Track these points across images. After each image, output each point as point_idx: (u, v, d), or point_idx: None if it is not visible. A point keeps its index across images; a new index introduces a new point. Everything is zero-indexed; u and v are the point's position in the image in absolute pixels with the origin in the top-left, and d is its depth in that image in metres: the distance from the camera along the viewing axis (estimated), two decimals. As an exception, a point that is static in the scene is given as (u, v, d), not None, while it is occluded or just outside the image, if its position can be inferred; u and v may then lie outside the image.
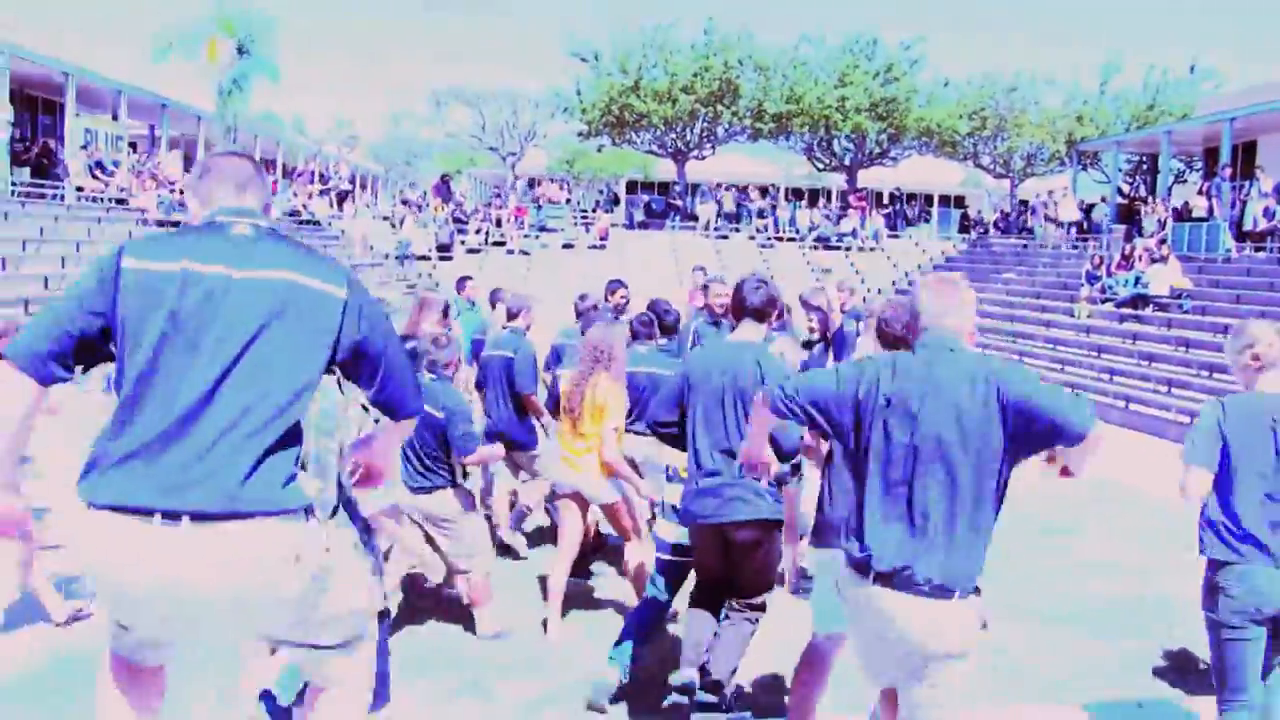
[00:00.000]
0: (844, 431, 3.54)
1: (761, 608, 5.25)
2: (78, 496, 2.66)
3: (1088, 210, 33.09)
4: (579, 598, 7.24)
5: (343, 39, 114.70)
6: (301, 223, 30.34)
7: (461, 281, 12.44)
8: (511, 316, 8.52)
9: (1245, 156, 28.00)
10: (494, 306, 11.11)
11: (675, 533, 5.57)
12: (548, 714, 5.60)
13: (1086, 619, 7.38)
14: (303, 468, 2.87)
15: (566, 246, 32.90)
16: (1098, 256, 24.05)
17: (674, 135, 42.15)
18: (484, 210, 34.76)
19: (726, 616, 5.25)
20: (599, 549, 8.06)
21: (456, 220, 32.98)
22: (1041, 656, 6.61)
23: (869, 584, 3.42)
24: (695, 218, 36.56)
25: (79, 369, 2.85)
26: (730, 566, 5.15)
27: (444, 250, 30.80)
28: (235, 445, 2.65)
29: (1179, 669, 6.58)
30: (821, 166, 44.63)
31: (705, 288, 9.71)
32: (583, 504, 6.62)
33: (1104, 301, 22.11)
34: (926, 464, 3.36)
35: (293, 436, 2.78)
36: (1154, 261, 21.44)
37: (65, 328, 2.76)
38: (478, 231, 32.68)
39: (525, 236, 33.10)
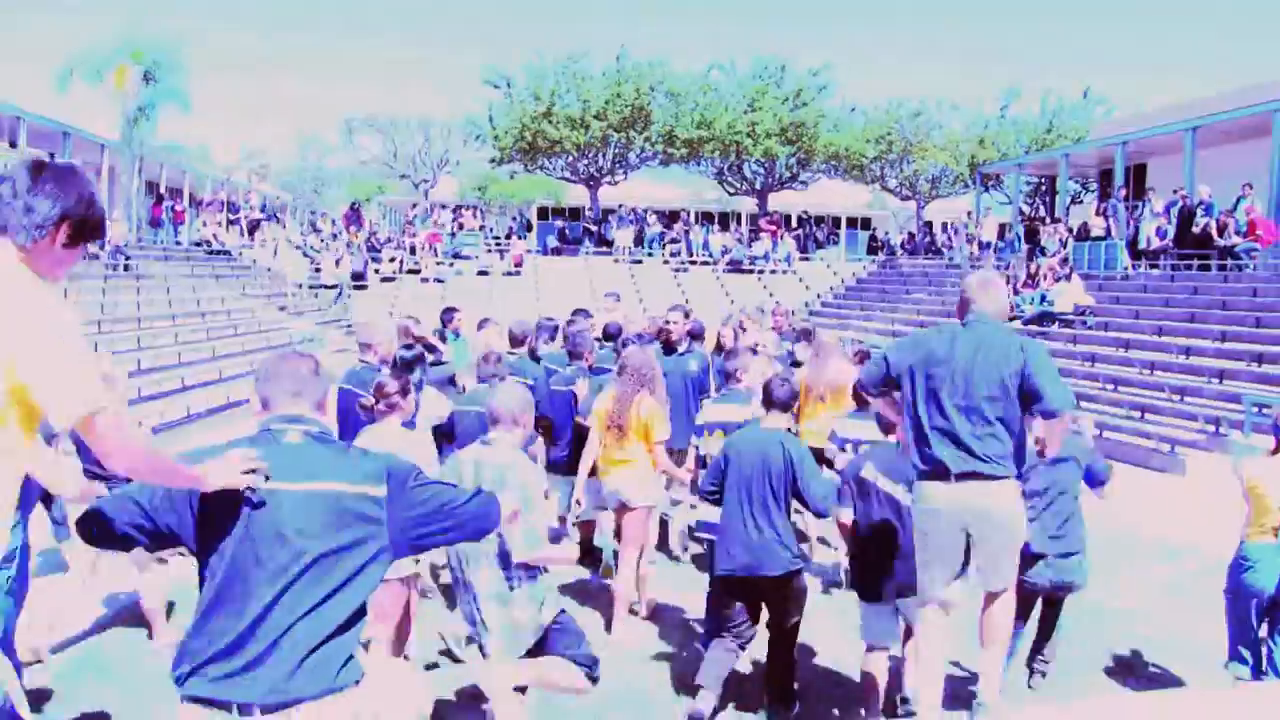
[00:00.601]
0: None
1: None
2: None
3: (1001, 231, 34.09)
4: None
5: (248, 65, 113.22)
6: (212, 253, 29.89)
7: (448, 313, 12.22)
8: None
9: (1137, 178, 29.14)
10: (479, 329, 11.07)
11: None
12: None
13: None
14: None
15: (482, 274, 32.87)
16: (1004, 276, 24.77)
17: (586, 161, 42.44)
18: (398, 238, 34.56)
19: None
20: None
21: (370, 249, 32.75)
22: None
23: (951, 483, 4.77)
24: (609, 243, 36.81)
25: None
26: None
27: (358, 279, 30.56)
28: (294, 644, 2.98)
29: (1118, 672, 6.86)
30: (732, 191, 45.25)
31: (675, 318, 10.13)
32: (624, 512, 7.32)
33: (1012, 319, 22.77)
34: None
35: (352, 623, 3.10)
36: (1058, 280, 22.17)
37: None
38: (391, 260, 32.48)
39: (439, 264, 32.99)
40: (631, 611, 7.61)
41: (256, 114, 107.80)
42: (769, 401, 6.28)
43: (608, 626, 7.37)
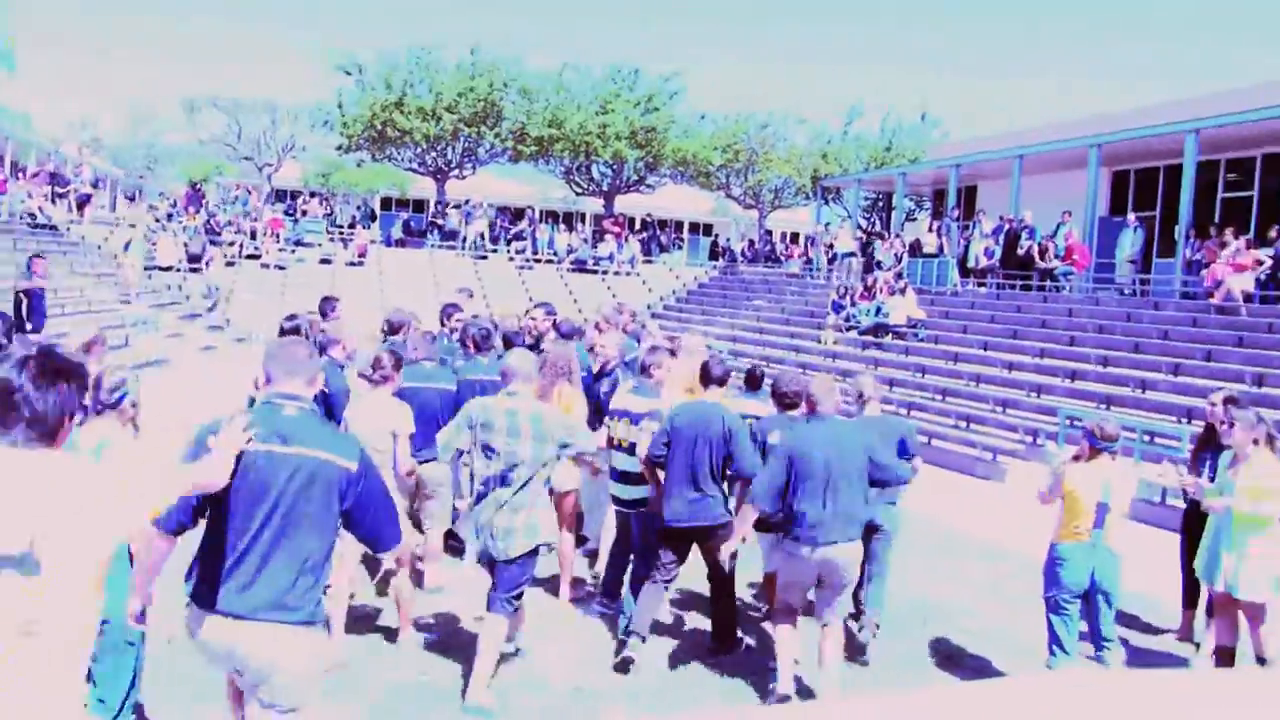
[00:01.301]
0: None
1: None
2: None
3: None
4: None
5: (81, 36, 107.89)
6: (36, 226, 28.42)
7: (447, 310, 11.62)
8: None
9: (968, 199, 30.57)
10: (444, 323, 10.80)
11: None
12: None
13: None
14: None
15: (324, 262, 32.22)
16: (842, 287, 25.66)
17: (435, 154, 42.05)
18: (238, 222, 33.56)
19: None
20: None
21: (209, 231, 31.72)
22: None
23: (811, 549, 6.16)
24: (454, 236, 36.53)
25: None
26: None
27: (194, 261, 29.58)
28: (273, 577, 3.86)
29: (945, 664, 7.27)
30: (579, 191, 45.50)
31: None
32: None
33: (848, 330, 23.62)
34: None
35: (319, 566, 3.98)
36: (893, 293, 23.10)
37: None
38: (231, 244, 31.54)
39: (281, 250, 32.19)
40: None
41: (87, 88, 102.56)
42: (706, 379, 7.34)
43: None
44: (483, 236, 35.85)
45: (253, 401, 6.59)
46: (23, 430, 2.84)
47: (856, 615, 7.41)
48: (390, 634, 7.14)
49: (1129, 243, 22.71)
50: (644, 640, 6.84)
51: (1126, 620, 7.92)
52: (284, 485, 3.83)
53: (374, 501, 4.06)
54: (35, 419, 2.85)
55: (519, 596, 6.23)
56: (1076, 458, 6.66)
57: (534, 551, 6.17)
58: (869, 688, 6.68)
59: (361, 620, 7.27)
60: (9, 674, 2.67)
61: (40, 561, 2.68)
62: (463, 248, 35.18)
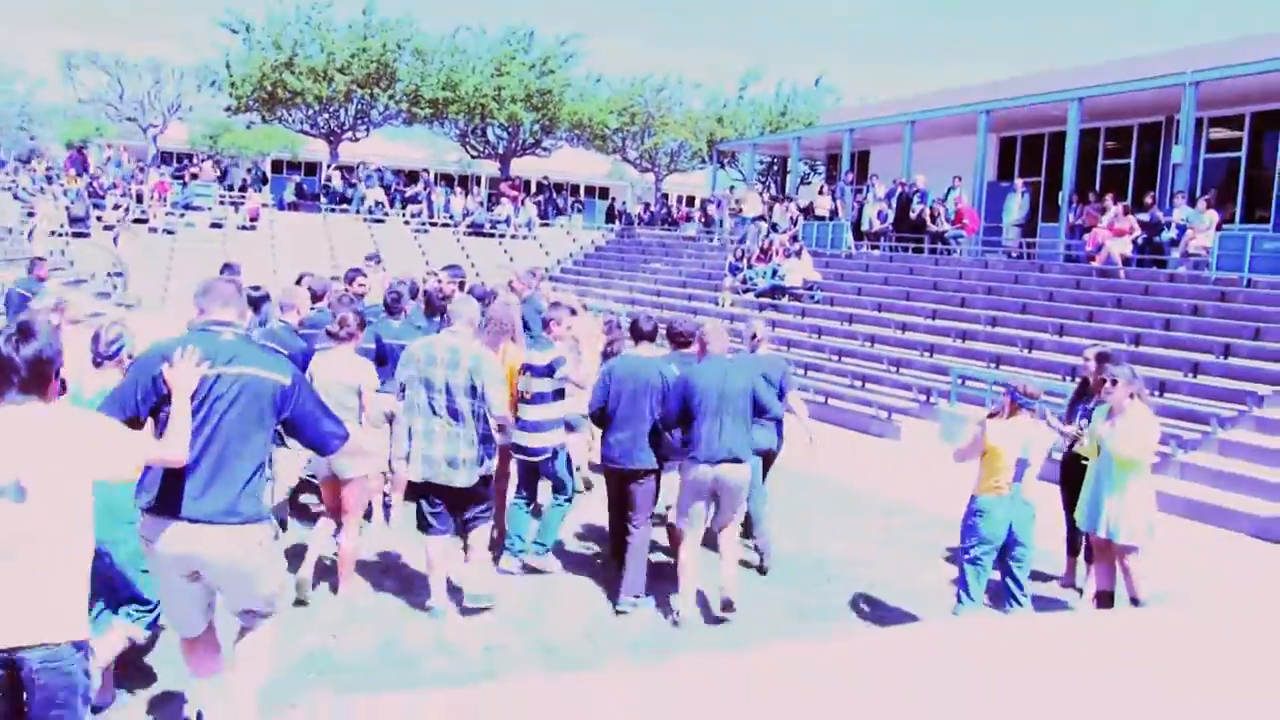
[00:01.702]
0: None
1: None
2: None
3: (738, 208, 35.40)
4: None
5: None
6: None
7: (350, 274, 11.33)
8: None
9: (860, 164, 31.12)
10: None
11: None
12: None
13: (758, 576, 8.28)
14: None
15: (215, 226, 31.44)
16: (740, 250, 25.96)
17: (328, 115, 41.25)
18: (123, 185, 32.50)
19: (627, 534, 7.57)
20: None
21: (93, 194, 30.70)
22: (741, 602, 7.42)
23: (708, 467, 7.08)
24: (348, 200, 35.96)
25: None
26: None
27: (78, 223, 28.64)
28: (225, 483, 4.33)
29: (849, 613, 7.56)
30: (475, 154, 45.11)
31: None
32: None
33: (745, 292, 23.94)
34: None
35: (259, 473, 4.47)
36: (789, 256, 23.46)
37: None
38: (116, 207, 30.57)
39: (169, 215, 31.32)
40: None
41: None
42: (638, 334, 7.88)
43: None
44: (379, 203, 35.30)
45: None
46: (15, 391, 3.51)
47: (747, 534, 8.51)
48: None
49: (1015, 207, 23.44)
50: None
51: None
52: (228, 402, 4.29)
53: (311, 410, 4.53)
54: (23, 381, 3.51)
55: (471, 525, 7.01)
56: (994, 415, 6.95)
57: (484, 480, 6.92)
58: (784, 638, 6.92)
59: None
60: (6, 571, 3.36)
61: (26, 490, 3.36)
62: (357, 211, 34.61)
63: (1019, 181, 24.17)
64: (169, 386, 4.24)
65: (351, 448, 5.86)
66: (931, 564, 8.87)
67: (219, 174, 36.20)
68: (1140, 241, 19.17)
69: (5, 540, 3.35)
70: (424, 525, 7.00)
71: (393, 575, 7.73)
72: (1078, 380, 8.88)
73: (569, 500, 8.20)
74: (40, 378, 3.55)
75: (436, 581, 6.96)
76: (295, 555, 7.23)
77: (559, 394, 8.00)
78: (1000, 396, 7.07)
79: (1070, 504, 7.94)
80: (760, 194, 36.63)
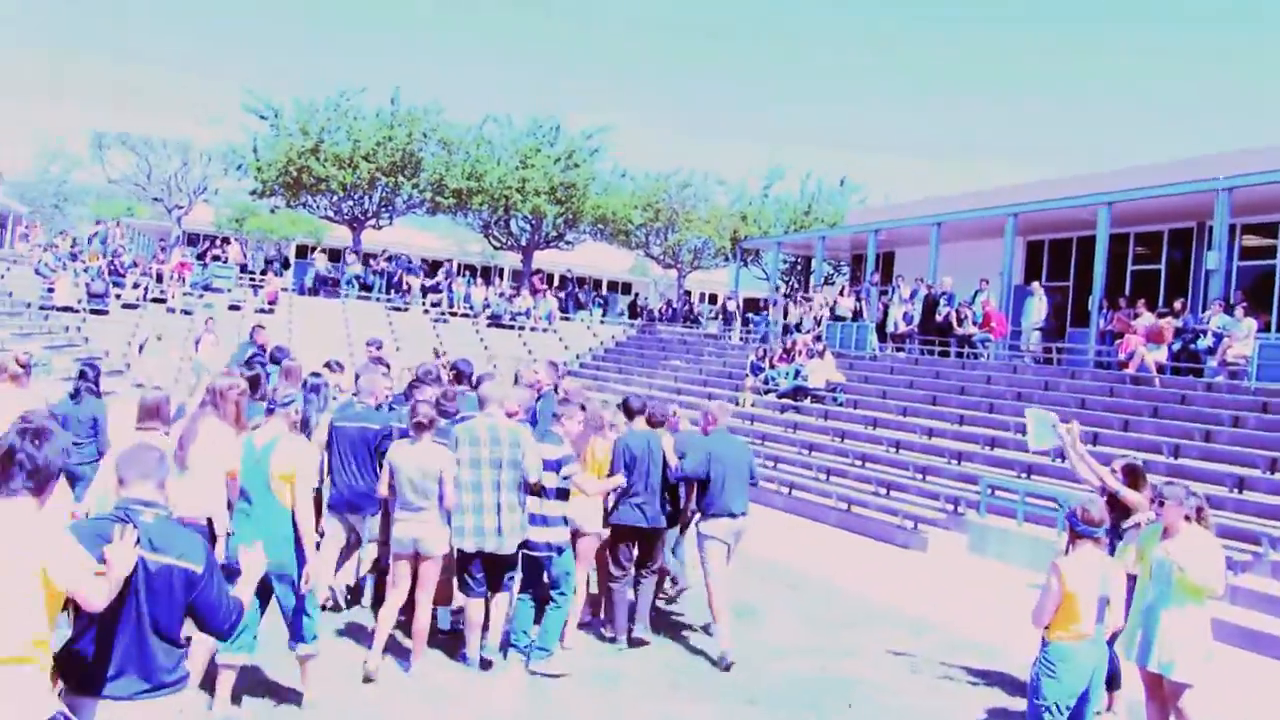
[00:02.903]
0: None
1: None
2: None
3: (758, 306, 35.08)
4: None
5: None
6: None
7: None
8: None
9: (885, 264, 30.75)
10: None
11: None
12: None
13: (771, 699, 7.58)
14: None
15: (233, 308, 31.23)
16: (762, 349, 25.48)
17: (352, 202, 41.31)
18: (144, 264, 32.42)
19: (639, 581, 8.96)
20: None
21: (113, 272, 30.60)
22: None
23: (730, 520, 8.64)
24: (368, 288, 35.82)
25: None
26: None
27: (97, 298, 28.48)
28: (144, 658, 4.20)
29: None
30: (498, 245, 44.98)
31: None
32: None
33: (766, 392, 23.39)
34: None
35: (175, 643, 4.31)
36: (811, 356, 22.94)
37: None
38: (136, 285, 30.44)
39: (187, 294, 31.16)
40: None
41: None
42: (629, 412, 9.20)
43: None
44: (399, 289, 35.17)
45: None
46: (21, 484, 3.76)
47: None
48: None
49: (1034, 310, 22.93)
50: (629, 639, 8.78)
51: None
52: (148, 587, 4.16)
53: (211, 597, 4.36)
54: (30, 476, 3.77)
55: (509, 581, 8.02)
56: (1068, 546, 6.08)
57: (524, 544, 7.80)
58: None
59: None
60: None
61: None
62: (399, 300, 34.36)
63: (1036, 284, 23.68)
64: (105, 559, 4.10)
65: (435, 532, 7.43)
66: (964, 695, 8.12)
67: (241, 260, 36.19)
68: (1175, 349, 18.58)
69: None
70: (464, 587, 7.83)
71: (361, 690, 7.10)
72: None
73: (565, 598, 8.02)
74: (44, 481, 3.82)
75: (475, 638, 7.85)
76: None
77: (564, 493, 8.00)
78: (1063, 529, 6.26)
79: None
80: (782, 293, 36.33)
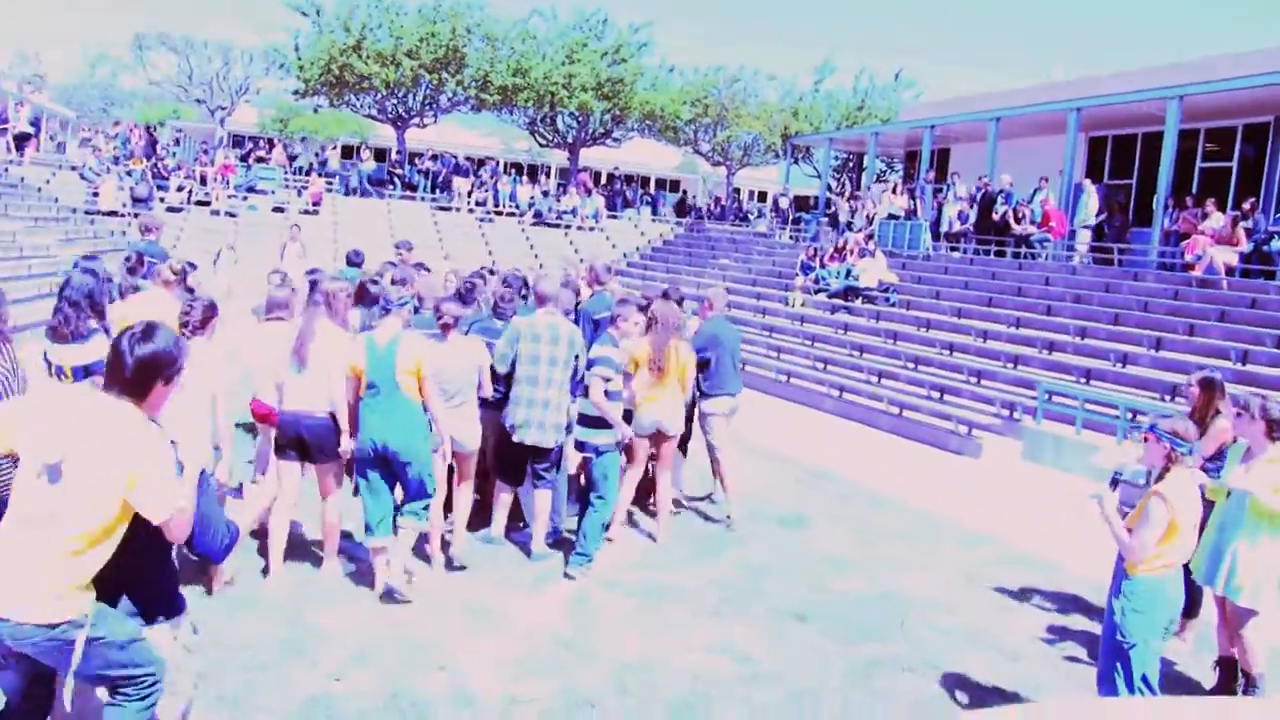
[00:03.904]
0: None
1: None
2: None
3: (809, 204, 34.34)
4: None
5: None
6: (-30, 164, 27.05)
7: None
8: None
9: (940, 162, 29.82)
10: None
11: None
12: None
13: (822, 616, 7.34)
14: None
15: (277, 210, 31.05)
16: (812, 248, 24.91)
17: (395, 100, 40.70)
18: (188, 166, 32.21)
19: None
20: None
21: (156, 175, 30.43)
22: (785, 659, 6.51)
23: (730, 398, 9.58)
24: (414, 187, 35.47)
25: None
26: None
27: (140, 202, 28.34)
28: None
29: (918, 671, 6.58)
30: (543, 143, 44.30)
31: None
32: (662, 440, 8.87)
33: (817, 292, 22.91)
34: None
35: None
36: (863, 256, 22.37)
37: None
38: (180, 189, 30.27)
39: (231, 197, 30.98)
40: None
41: (35, 28, 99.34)
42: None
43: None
44: (444, 187, 34.77)
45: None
46: (118, 389, 3.69)
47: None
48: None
49: (1086, 207, 22.10)
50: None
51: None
52: None
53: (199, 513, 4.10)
54: (125, 381, 3.69)
55: (553, 471, 8.12)
56: (1164, 471, 5.39)
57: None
58: (855, 698, 6.00)
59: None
60: (25, 552, 3.55)
61: (62, 474, 3.56)
62: (433, 200, 33.99)
63: (1086, 181, 22.78)
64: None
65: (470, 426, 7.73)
66: (1021, 612, 7.83)
67: (285, 160, 35.87)
68: (1248, 250, 17.83)
69: (33, 515, 3.57)
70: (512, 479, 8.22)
71: (404, 609, 6.93)
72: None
73: (603, 502, 8.01)
74: (144, 380, 3.72)
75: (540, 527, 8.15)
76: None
77: (606, 395, 7.92)
78: (1147, 444, 5.46)
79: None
80: (832, 190, 35.53)
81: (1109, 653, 5.47)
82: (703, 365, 9.29)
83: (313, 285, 8.29)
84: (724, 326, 9.72)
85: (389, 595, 6.90)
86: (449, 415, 7.34)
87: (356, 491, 7.24)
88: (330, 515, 7.30)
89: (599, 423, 7.87)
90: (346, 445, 7.00)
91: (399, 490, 7.15)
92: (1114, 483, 5.79)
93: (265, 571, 7.16)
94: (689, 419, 9.59)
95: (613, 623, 6.96)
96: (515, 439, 7.84)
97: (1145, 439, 5.48)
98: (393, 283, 8.74)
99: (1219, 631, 6.55)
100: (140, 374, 3.70)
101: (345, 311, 7.54)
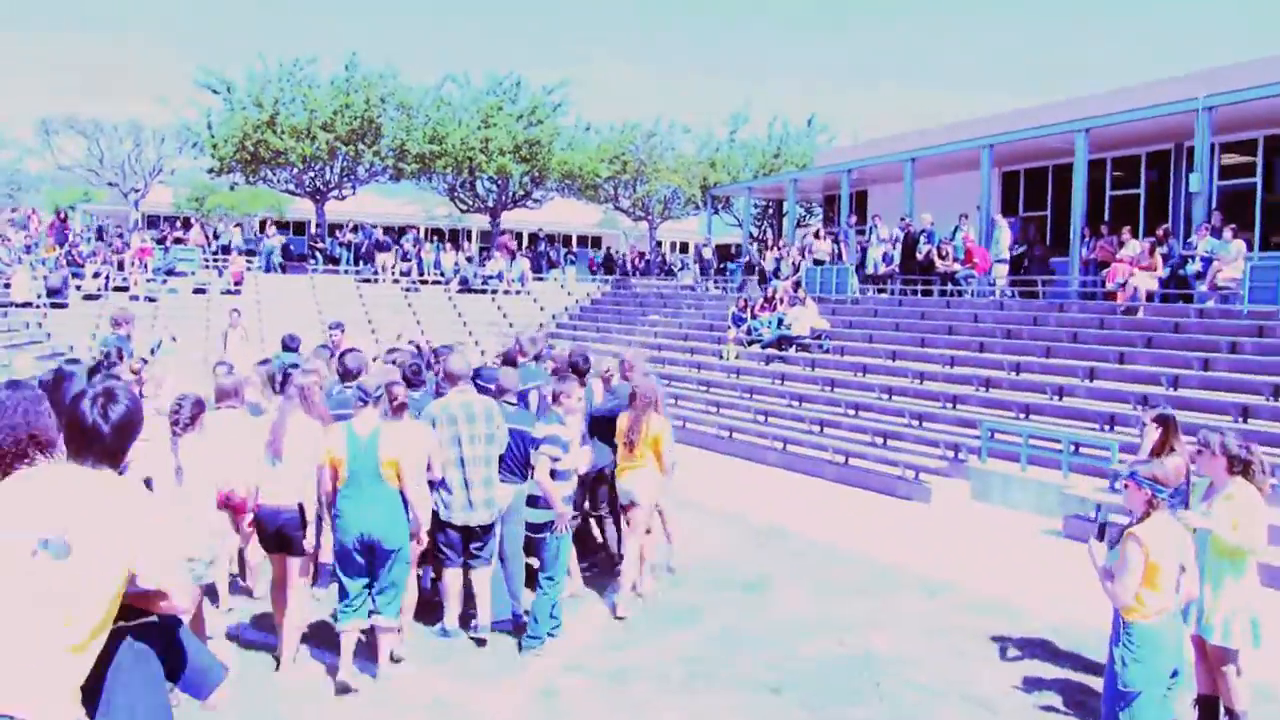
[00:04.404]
0: None
1: None
2: None
3: (732, 254, 34.58)
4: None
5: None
6: None
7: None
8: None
9: (859, 204, 30.25)
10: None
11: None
12: None
13: (795, 685, 7.23)
14: None
15: (198, 291, 30.51)
16: (742, 299, 25.02)
17: (312, 174, 40.38)
18: (103, 251, 31.56)
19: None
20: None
21: (71, 263, 29.75)
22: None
23: None
24: (335, 261, 35.14)
25: None
26: None
27: (55, 294, 27.68)
28: None
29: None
30: (464, 208, 44.19)
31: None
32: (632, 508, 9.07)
33: (750, 343, 22.98)
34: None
35: None
36: (793, 304, 22.50)
37: None
38: (96, 275, 29.62)
39: (150, 281, 30.39)
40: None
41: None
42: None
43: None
44: (367, 259, 34.45)
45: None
46: (94, 459, 3.44)
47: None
48: None
49: (1000, 240, 22.52)
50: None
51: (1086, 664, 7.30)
52: None
53: None
54: (104, 448, 3.46)
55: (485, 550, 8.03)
56: (1144, 516, 5.36)
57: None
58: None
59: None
60: (19, 635, 3.20)
61: (70, 548, 3.24)
62: (372, 274, 33.64)
63: (998, 216, 23.24)
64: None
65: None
66: (987, 660, 7.79)
67: (202, 241, 35.29)
68: (1164, 276, 18.25)
69: (36, 594, 3.26)
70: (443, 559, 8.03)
71: (368, 709, 6.69)
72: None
73: (551, 583, 7.91)
74: (124, 443, 3.54)
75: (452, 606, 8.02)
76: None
77: (552, 474, 7.86)
78: (1127, 490, 5.49)
79: None
80: (754, 238, 35.85)
81: (1111, 699, 5.46)
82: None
83: (285, 379, 8.51)
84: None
85: (343, 689, 6.83)
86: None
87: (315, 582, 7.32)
88: (295, 610, 7.28)
89: (545, 503, 7.81)
90: (311, 540, 7.22)
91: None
92: (1101, 531, 5.76)
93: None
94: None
95: (583, 713, 6.77)
96: (452, 521, 7.84)
97: (1125, 485, 5.51)
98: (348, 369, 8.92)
99: (1197, 669, 6.55)
100: (119, 438, 3.49)
101: (321, 404, 7.68)
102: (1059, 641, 7.98)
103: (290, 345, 13.09)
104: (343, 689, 6.82)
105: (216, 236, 36.11)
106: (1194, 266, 18.09)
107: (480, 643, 7.88)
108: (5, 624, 3.23)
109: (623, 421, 9.12)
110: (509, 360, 10.67)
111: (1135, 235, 19.82)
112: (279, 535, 7.20)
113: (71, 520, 3.31)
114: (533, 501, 7.91)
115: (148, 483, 6.46)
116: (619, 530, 9.92)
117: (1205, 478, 6.47)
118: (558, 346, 13.74)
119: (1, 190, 66.14)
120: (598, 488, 9.74)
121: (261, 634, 7.87)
